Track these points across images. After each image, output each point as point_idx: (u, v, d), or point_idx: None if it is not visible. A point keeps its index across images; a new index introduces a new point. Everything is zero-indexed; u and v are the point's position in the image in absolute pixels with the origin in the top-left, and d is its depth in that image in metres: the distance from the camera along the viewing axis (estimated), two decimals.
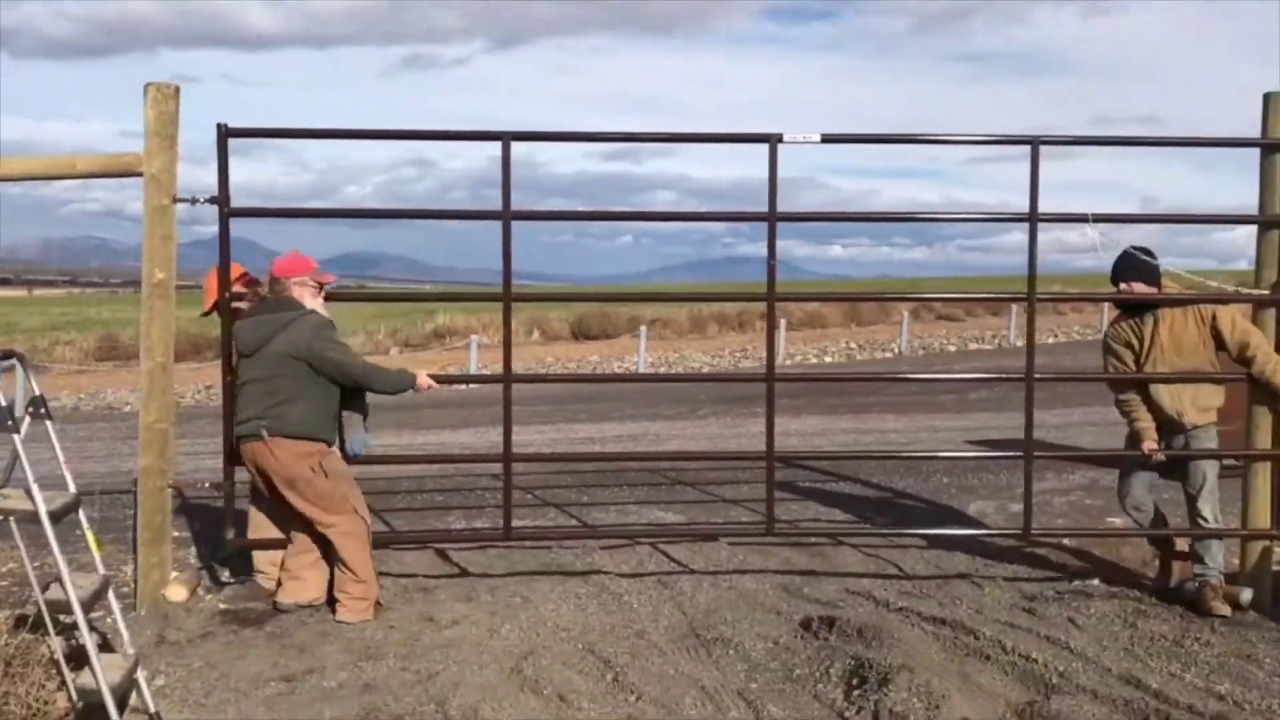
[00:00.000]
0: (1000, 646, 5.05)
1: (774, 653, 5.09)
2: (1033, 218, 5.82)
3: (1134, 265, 5.88)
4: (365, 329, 31.65)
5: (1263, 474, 5.96)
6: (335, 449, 5.56)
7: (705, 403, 14.70)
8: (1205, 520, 5.89)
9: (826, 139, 5.80)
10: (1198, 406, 5.87)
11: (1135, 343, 5.96)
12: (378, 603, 5.52)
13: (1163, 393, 5.89)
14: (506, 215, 5.68)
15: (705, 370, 22.32)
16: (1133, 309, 5.99)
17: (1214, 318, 5.81)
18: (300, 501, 5.36)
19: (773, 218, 5.74)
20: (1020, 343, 24.77)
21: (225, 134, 5.49)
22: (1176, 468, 5.99)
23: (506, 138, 5.62)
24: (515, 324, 30.55)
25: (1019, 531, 6.30)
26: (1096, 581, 6.28)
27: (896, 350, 25.81)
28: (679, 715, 4.33)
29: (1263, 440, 5.93)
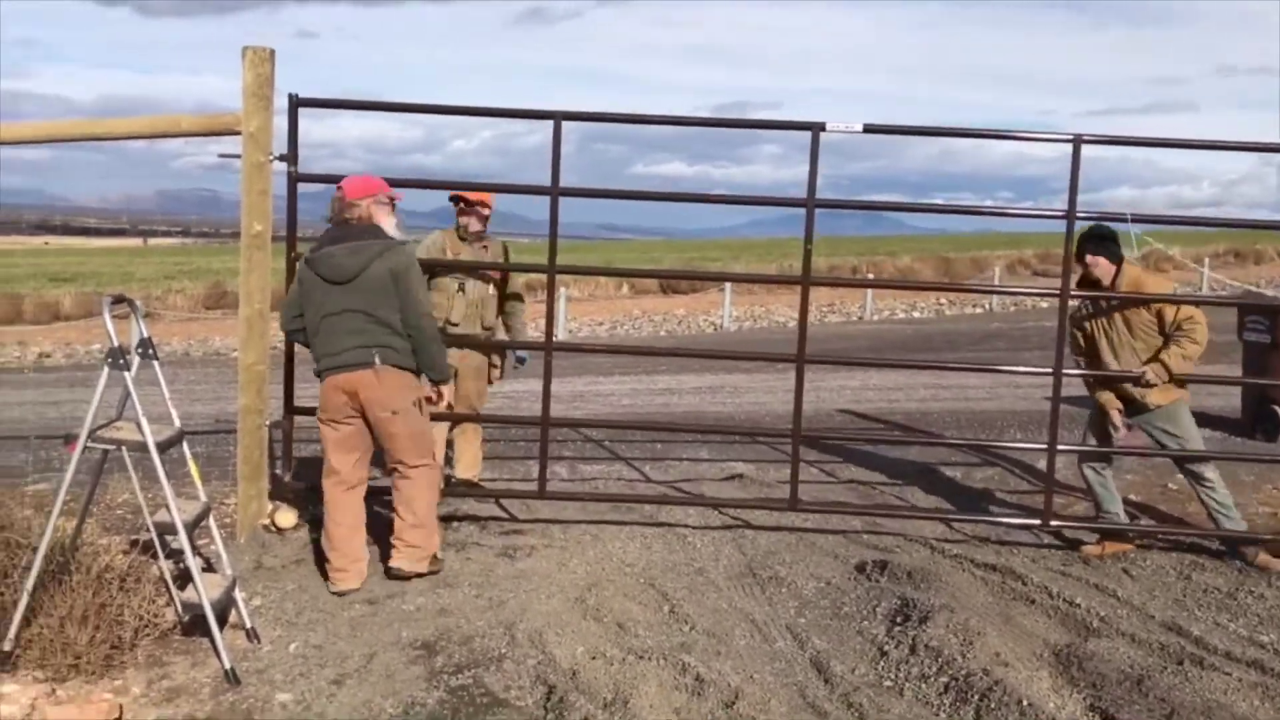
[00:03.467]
0: (1047, 592, 5.21)
1: (825, 591, 5.34)
2: (1070, 215, 5.87)
3: (1098, 238, 5.93)
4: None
5: None
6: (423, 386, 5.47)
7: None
8: (1212, 483, 5.95)
9: (868, 129, 5.95)
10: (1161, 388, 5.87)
11: (1090, 319, 6.05)
12: (435, 556, 5.42)
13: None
14: (555, 191, 5.94)
15: (789, 325, 22.36)
16: (1094, 285, 6.04)
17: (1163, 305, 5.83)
18: (397, 436, 5.17)
19: (810, 204, 5.89)
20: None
21: (296, 103, 5.88)
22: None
23: (558, 117, 5.86)
24: (606, 279, 30.94)
25: (1037, 523, 6.24)
26: (1158, 536, 6.37)
27: (988, 306, 25.49)
28: (728, 644, 4.60)
29: None
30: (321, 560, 5.42)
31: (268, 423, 6.33)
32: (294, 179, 5.92)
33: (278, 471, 6.46)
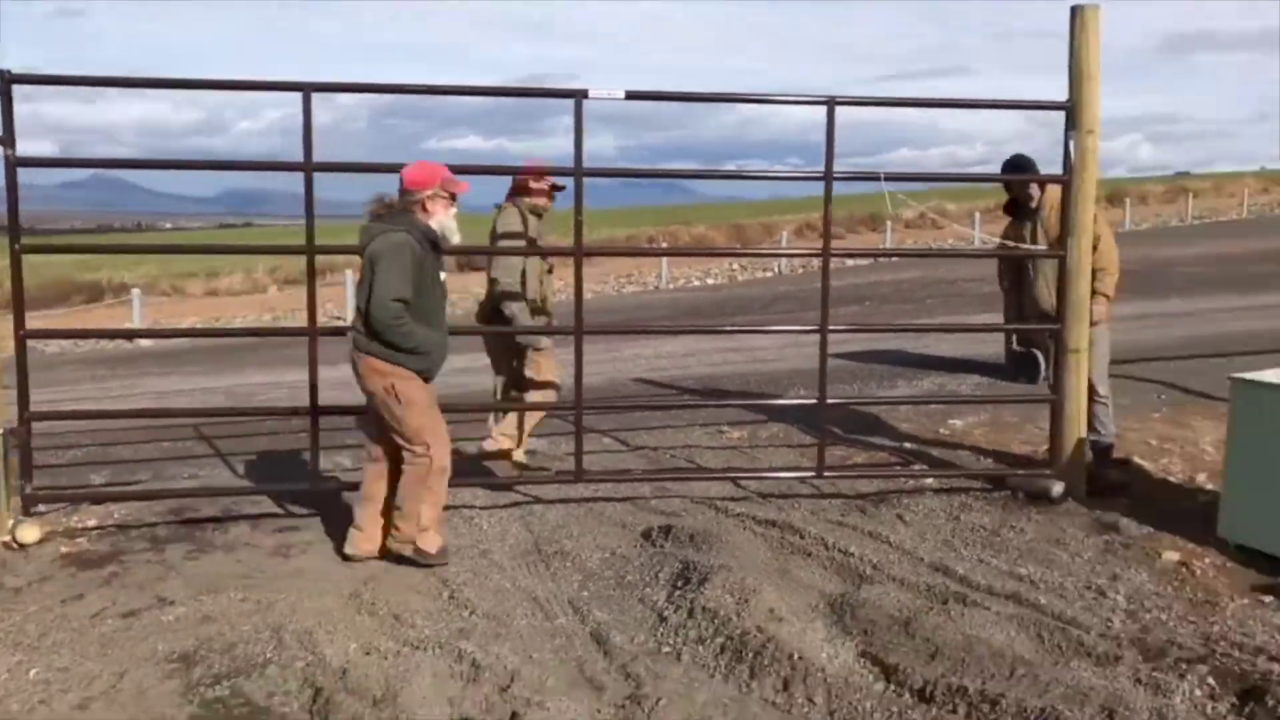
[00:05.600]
0: (823, 544, 5.33)
1: (609, 562, 5.29)
2: (828, 176, 6.04)
3: (1017, 165, 6.43)
4: (244, 267, 30.92)
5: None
6: (414, 376, 5.21)
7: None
8: (1104, 399, 6.52)
9: (630, 95, 6.00)
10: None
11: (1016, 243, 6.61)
12: (417, 547, 5.25)
13: (1042, 290, 6.48)
14: (308, 167, 5.69)
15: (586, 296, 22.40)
16: (1016, 214, 6.65)
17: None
18: (381, 421, 5.27)
19: (579, 173, 5.90)
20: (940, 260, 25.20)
21: (9, 80, 5.40)
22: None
23: (307, 89, 5.62)
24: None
25: (812, 473, 6.40)
26: (931, 480, 6.62)
27: (777, 270, 26.23)
28: (508, 626, 4.49)
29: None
30: (71, 569, 5.02)
31: (2, 430, 5.78)
32: (11, 163, 5.41)
33: (17, 482, 5.91)
